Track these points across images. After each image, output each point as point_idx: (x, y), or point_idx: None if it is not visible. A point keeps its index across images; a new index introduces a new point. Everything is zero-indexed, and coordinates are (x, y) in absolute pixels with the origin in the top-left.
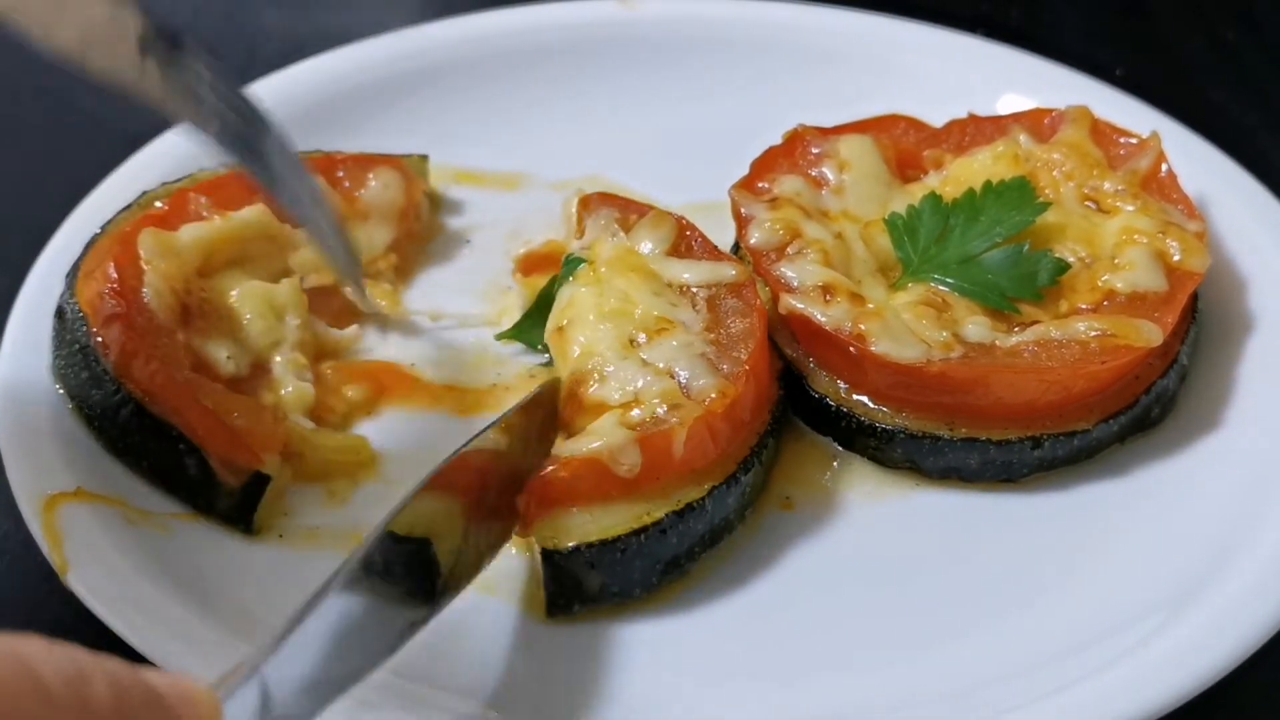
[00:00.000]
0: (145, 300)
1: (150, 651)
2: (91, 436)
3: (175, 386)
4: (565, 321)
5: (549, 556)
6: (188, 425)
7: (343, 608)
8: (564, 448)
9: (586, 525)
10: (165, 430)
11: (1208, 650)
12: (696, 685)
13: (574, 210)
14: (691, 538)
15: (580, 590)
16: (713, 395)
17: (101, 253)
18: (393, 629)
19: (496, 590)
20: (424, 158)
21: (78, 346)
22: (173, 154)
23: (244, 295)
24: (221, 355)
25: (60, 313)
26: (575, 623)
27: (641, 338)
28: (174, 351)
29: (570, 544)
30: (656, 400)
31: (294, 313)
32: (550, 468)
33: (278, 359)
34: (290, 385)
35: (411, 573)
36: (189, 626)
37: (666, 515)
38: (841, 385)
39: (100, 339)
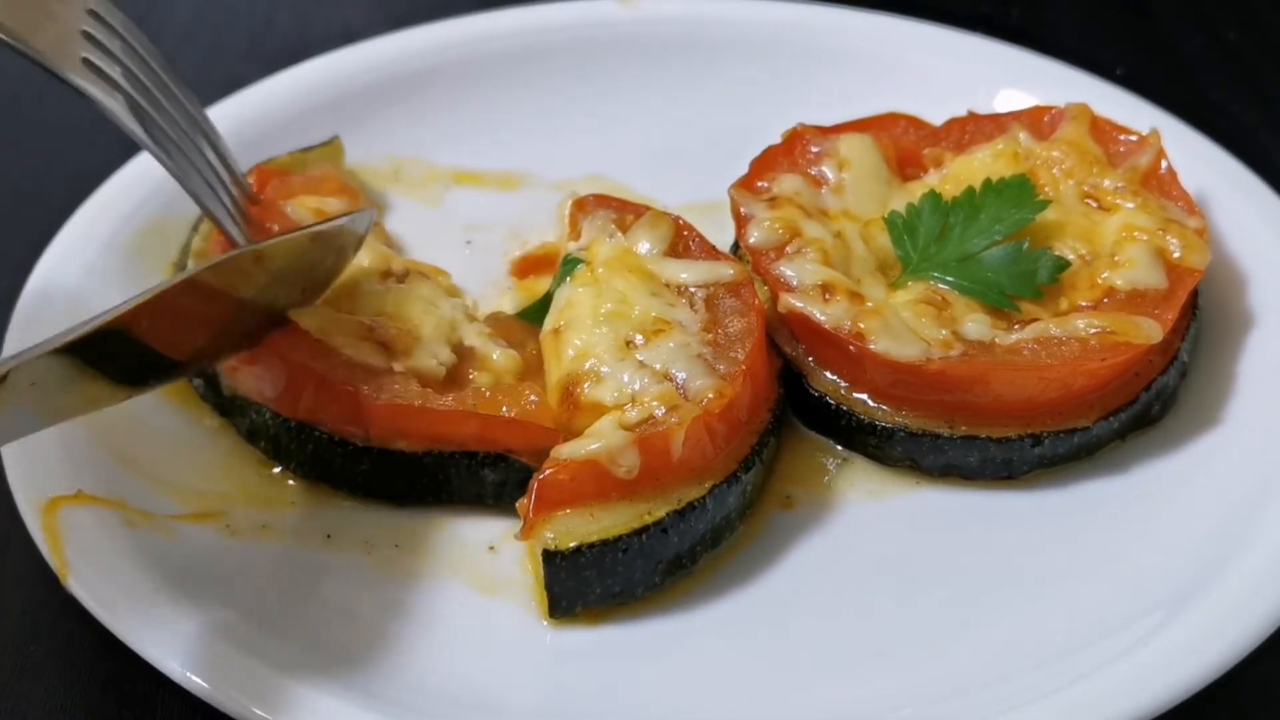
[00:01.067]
0: (353, 359)
1: (150, 653)
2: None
3: (439, 416)
4: (562, 323)
5: (550, 558)
6: (475, 441)
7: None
8: (563, 450)
9: (587, 526)
10: (455, 461)
11: (1207, 650)
12: (695, 684)
13: (567, 212)
14: (693, 537)
15: (582, 591)
16: (710, 395)
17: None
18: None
19: (499, 591)
20: (335, 139)
21: (332, 449)
22: None
23: (397, 303)
24: (432, 362)
25: (297, 433)
26: (578, 623)
27: (638, 339)
28: (406, 385)
29: (571, 545)
30: (654, 402)
31: (443, 295)
32: (549, 470)
33: (467, 341)
34: (496, 353)
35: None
36: (189, 628)
37: (668, 514)
38: (841, 384)
39: (348, 429)
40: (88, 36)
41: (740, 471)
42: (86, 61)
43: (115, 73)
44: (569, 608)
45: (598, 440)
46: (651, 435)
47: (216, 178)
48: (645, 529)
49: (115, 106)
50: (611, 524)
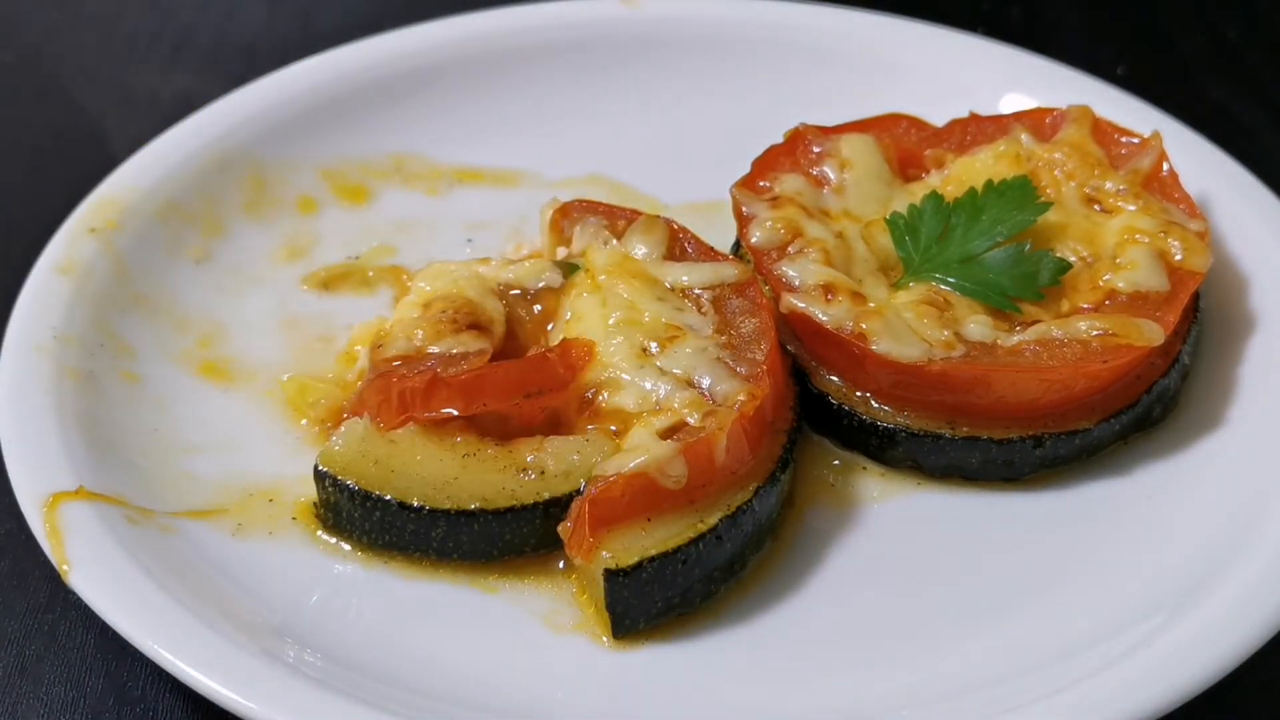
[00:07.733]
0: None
1: (151, 650)
2: None
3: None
4: (573, 335)
5: (612, 576)
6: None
7: None
8: (608, 466)
9: (643, 540)
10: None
11: (1208, 650)
12: (694, 684)
13: (548, 219)
14: (743, 540)
15: (645, 607)
16: (741, 398)
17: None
18: None
19: (500, 591)
20: None
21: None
22: (173, 155)
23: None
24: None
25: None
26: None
27: (653, 346)
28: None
29: (632, 561)
30: (686, 409)
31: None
32: (598, 487)
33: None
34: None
35: None
36: (190, 625)
37: (720, 520)
38: (843, 384)
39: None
40: None
41: (778, 472)
42: None
43: None
44: (633, 625)
45: (641, 453)
46: (696, 443)
47: None
48: (701, 537)
49: None
50: (666, 536)
